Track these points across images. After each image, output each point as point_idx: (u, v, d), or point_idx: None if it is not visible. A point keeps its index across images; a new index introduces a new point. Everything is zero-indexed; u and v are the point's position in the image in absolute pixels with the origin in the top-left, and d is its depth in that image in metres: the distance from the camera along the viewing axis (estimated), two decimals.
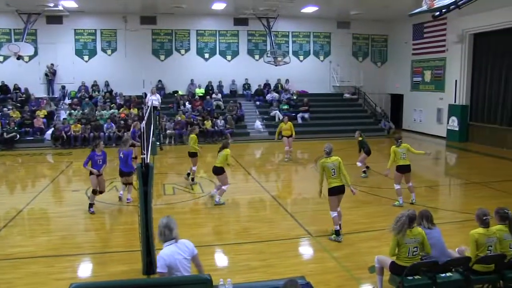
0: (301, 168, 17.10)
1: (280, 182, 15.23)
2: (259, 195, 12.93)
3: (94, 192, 11.32)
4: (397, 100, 29.32)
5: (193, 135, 14.40)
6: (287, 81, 27.94)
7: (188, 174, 14.55)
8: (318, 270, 7.63)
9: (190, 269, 5.35)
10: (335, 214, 8.93)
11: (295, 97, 27.14)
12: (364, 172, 15.00)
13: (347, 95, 28.65)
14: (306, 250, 8.90)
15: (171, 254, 5.20)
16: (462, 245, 6.90)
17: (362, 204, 11.39)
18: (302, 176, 16.17)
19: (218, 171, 11.82)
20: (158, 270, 5.21)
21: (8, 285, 7.16)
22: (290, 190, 13.25)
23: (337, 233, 8.95)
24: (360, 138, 14.88)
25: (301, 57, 28.69)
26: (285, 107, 26.00)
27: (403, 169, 11.32)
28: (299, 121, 25.51)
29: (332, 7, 25.25)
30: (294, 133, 18.14)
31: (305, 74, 28.30)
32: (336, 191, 8.89)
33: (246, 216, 11.16)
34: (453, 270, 6.25)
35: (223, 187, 11.87)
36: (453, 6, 14.87)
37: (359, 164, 14.79)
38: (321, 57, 28.99)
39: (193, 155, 14.31)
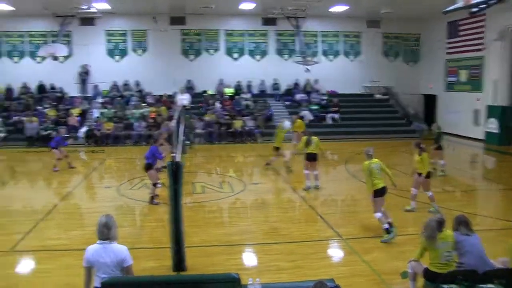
0: (331, 169, 16.96)
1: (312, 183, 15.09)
2: (288, 196, 12.88)
3: (155, 185, 11.72)
4: (430, 101, 28.66)
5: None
6: (316, 81, 27.75)
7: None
8: (348, 273, 7.52)
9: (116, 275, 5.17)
10: (380, 215, 9.04)
11: (325, 98, 26.91)
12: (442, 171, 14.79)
13: (377, 96, 28.24)
14: (335, 252, 8.78)
15: (93, 253, 5.14)
16: (502, 256, 6.39)
17: (395, 207, 11.09)
18: (332, 177, 15.99)
19: (315, 157, 12.92)
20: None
21: (45, 275, 7.45)
22: (319, 191, 13.12)
23: (387, 231, 8.91)
24: (438, 131, 14.80)
25: (331, 57, 28.43)
26: (315, 107, 25.84)
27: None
28: (329, 121, 25.32)
29: (361, 6, 24.85)
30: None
31: (335, 74, 27.94)
32: (382, 192, 9.11)
33: (275, 216, 11.10)
34: (495, 282, 5.71)
35: (315, 172, 13.01)
36: (493, 1, 14.22)
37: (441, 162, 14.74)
38: (351, 57, 28.66)
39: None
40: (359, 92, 28.58)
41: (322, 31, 28.21)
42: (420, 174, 10.77)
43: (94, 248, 5.15)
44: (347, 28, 28.34)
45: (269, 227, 10.04)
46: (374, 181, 9.04)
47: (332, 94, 27.55)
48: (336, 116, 25.51)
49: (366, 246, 8.65)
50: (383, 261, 7.94)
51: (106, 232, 5.12)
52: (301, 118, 20.12)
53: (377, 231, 9.31)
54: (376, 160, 9.25)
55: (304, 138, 13.40)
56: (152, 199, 11.80)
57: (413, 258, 6.28)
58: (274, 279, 7.16)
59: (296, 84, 27.89)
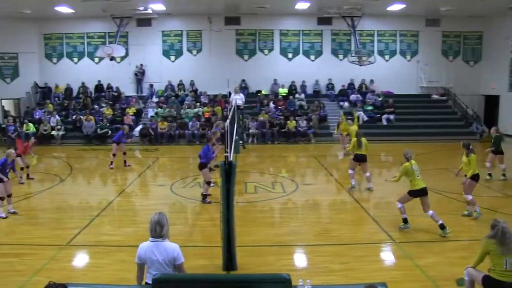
0: (385, 170, 16.59)
1: (364, 185, 14.70)
2: (341, 197, 12.69)
3: (208, 183, 11.95)
4: (492, 102, 27.29)
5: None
6: (371, 81, 27.26)
7: None
8: (401, 277, 7.29)
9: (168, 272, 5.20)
10: (400, 205, 9.58)
11: (380, 98, 26.39)
12: (489, 174, 14.23)
13: (435, 96, 27.29)
14: (388, 256, 8.53)
15: (145, 250, 5.19)
16: None
17: (452, 211, 10.72)
18: (386, 179, 15.57)
19: (365, 158, 13.07)
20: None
21: (99, 269, 7.73)
22: (372, 193, 12.85)
23: (404, 221, 9.56)
24: (497, 134, 14.27)
25: (387, 57, 27.80)
26: (370, 108, 25.39)
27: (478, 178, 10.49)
28: (384, 122, 24.81)
29: (420, 4, 24.18)
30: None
31: (391, 74, 27.33)
32: (421, 193, 9.33)
33: (327, 218, 10.99)
34: None
35: (367, 174, 13.10)
36: None
37: (502, 166, 14.24)
38: (408, 57, 27.90)
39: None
40: (416, 93, 27.80)
41: (378, 30, 27.66)
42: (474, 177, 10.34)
43: (146, 245, 5.22)
44: (404, 27, 27.63)
45: (320, 228, 9.91)
46: (413, 182, 9.41)
47: (388, 95, 26.95)
48: (392, 117, 24.93)
49: (420, 251, 8.37)
50: (438, 267, 7.64)
51: (158, 230, 5.17)
52: (353, 119, 19.64)
53: (432, 235, 9.06)
54: (413, 161, 9.58)
55: (354, 139, 13.33)
56: (205, 198, 11.91)
57: (471, 264, 5.97)
58: (324, 281, 7.06)
59: (351, 84, 27.48)
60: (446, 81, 27.36)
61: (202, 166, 12.08)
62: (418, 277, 7.32)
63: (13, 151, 11.55)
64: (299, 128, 23.46)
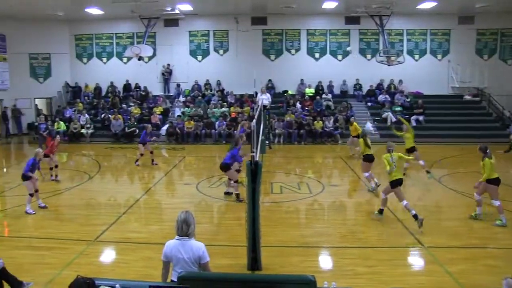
0: (413, 172, 16.27)
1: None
2: (367, 199, 12.49)
3: (236, 182, 12.09)
4: None
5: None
6: (400, 81, 26.85)
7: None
8: (429, 283, 7.10)
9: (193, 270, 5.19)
10: (384, 195, 10.41)
11: (408, 99, 25.94)
12: None
13: (468, 97, 26.57)
14: (416, 260, 8.29)
15: (171, 248, 5.20)
16: None
17: (484, 217, 10.36)
18: (414, 181, 15.26)
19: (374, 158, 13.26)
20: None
21: (126, 265, 7.90)
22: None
23: (380, 211, 10.48)
24: None
25: (416, 56, 27.35)
26: (398, 108, 25.00)
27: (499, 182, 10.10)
28: (413, 123, 24.36)
29: (453, 1, 23.69)
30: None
31: (421, 74, 26.81)
32: (398, 183, 10.05)
33: (353, 220, 10.83)
34: None
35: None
36: None
37: None
38: (439, 56, 27.33)
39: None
40: (447, 93, 27.20)
41: (408, 29, 27.21)
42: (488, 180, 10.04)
43: (172, 243, 5.23)
44: (435, 25, 27.05)
45: (346, 230, 9.78)
46: (392, 173, 10.05)
47: (417, 95, 26.46)
48: (421, 118, 24.46)
49: (451, 257, 8.11)
50: (470, 274, 7.38)
51: (185, 229, 5.18)
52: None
53: (465, 241, 8.85)
54: (397, 153, 10.33)
55: (361, 140, 13.32)
56: (238, 197, 11.97)
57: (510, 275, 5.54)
58: (350, 283, 6.94)
59: (380, 85, 27.14)
60: (479, 81, 26.64)
61: (226, 167, 12.06)
62: (448, 284, 7.09)
63: (40, 150, 11.96)
64: (326, 129, 23.28)
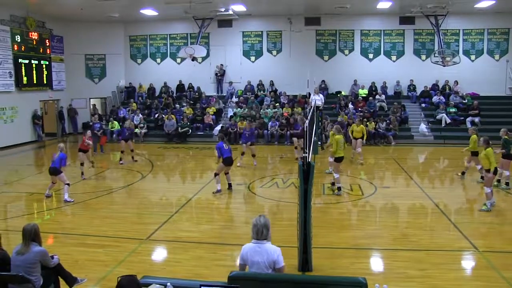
0: (468, 175, 15.85)
1: (444, 189, 14.11)
2: (420, 201, 12.24)
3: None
4: None
5: None
6: (455, 82, 26.13)
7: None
8: None
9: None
10: (338, 175, 12.77)
11: (465, 100, 25.15)
12: (506, 183, 13.45)
13: None
14: (470, 265, 8.08)
15: (247, 251, 5.24)
16: None
17: None
18: (469, 184, 14.84)
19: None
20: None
21: (178, 264, 8.02)
22: (455, 198, 12.32)
23: (338, 188, 12.65)
24: (506, 137, 13.44)
25: (473, 57, 26.49)
26: (453, 110, 24.35)
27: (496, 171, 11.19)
28: (468, 125, 23.68)
29: None
30: (365, 136, 18.39)
31: (477, 75, 25.98)
32: (341, 160, 12.92)
33: (405, 222, 10.63)
34: None
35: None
36: None
37: (506, 173, 13.44)
38: (496, 56, 26.39)
39: None
40: (505, 94, 26.25)
41: (464, 29, 26.43)
42: (488, 171, 11.04)
43: (248, 247, 5.30)
44: (493, 24, 26.14)
45: (398, 233, 9.63)
46: (338, 151, 12.78)
47: (473, 96, 25.65)
48: (477, 119, 23.73)
49: (508, 262, 7.86)
50: None
51: (264, 233, 5.24)
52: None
53: None
54: (341, 136, 13.07)
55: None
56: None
57: None
58: (401, 286, 6.88)
59: (435, 85, 26.50)
60: None
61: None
62: None
63: (62, 144, 13.02)
64: (379, 130, 22.97)
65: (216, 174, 12.93)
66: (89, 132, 15.83)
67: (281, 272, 5.25)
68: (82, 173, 14.97)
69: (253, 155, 17.11)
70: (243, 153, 17.25)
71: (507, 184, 13.42)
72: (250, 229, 5.42)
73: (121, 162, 17.70)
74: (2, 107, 22.47)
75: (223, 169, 13.00)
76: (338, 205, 11.93)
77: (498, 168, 12.95)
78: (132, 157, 18.14)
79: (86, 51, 28.21)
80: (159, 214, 11.06)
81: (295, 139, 18.94)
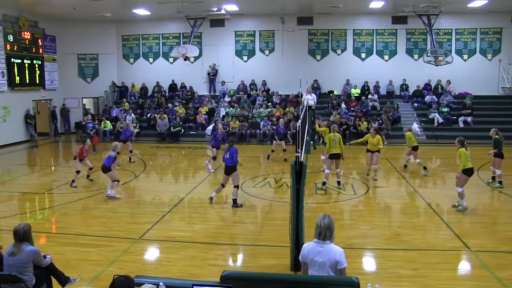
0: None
1: (436, 189, 14.20)
2: (413, 201, 12.32)
3: None
4: None
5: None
6: (448, 82, 26.25)
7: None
8: None
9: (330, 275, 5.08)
10: (328, 171, 13.38)
11: (457, 100, 25.24)
12: (500, 182, 13.58)
13: None
14: (463, 264, 8.11)
15: (310, 250, 5.12)
16: None
17: None
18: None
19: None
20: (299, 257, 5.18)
21: (170, 263, 8.00)
22: (447, 198, 12.37)
23: (323, 183, 13.24)
24: (496, 137, 13.60)
25: (465, 56, 26.61)
26: (445, 109, 24.45)
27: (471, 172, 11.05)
28: (461, 125, 23.83)
29: None
30: (382, 147, 15.21)
31: (469, 74, 26.09)
32: (334, 156, 13.31)
33: (397, 222, 10.69)
34: None
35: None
36: None
37: (498, 172, 13.57)
38: (489, 56, 26.53)
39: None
40: (497, 94, 26.39)
41: (457, 29, 26.55)
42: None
43: (310, 246, 5.18)
44: (486, 24, 26.27)
45: (391, 232, 9.67)
46: (330, 149, 13.30)
47: (465, 96, 25.75)
48: (469, 119, 23.86)
49: (501, 262, 7.89)
50: None
51: (327, 235, 5.11)
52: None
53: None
54: (338, 134, 13.58)
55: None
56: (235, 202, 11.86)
57: None
58: (394, 286, 6.92)
59: (427, 85, 26.61)
60: None
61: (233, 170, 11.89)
62: None
63: (117, 143, 13.63)
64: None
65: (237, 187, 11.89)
66: (88, 141, 15.15)
67: (343, 273, 5.08)
68: (73, 181, 13.98)
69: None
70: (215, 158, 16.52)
71: (500, 183, 13.51)
72: (314, 228, 5.25)
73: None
74: None
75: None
76: (330, 204, 11.96)
77: (491, 167, 13.19)
78: (130, 158, 18.04)
79: (79, 51, 28.14)
80: (151, 213, 11.06)
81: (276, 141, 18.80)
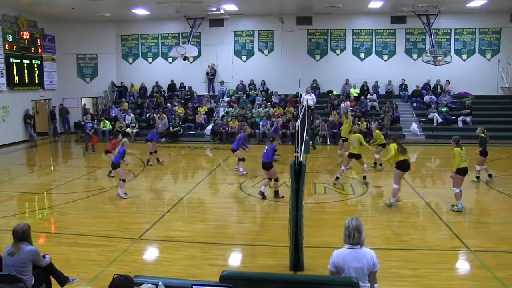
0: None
1: (436, 189, 14.16)
2: (412, 201, 12.30)
3: (277, 180, 12.32)
4: None
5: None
6: (447, 81, 26.26)
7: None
8: None
9: (367, 281, 5.00)
10: (343, 168, 14.23)
11: (456, 99, 25.25)
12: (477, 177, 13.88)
13: None
14: (462, 264, 8.12)
15: (343, 257, 4.95)
16: None
17: None
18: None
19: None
20: (328, 266, 5.04)
21: (169, 263, 8.00)
22: (446, 198, 12.36)
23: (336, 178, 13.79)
24: (482, 135, 13.81)
25: (464, 56, 26.64)
26: (444, 109, 24.46)
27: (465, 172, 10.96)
28: (460, 124, 23.84)
29: None
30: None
31: (468, 74, 26.08)
32: (353, 156, 14.11)
33: (397, 222, 10.65)
34: None
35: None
36: None
37: (477, 167, 13.90)
38: (488, 56, 26.53)
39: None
40: (496, 94, 26.39)
41: (456, 29, 26.56)
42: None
43: (343, 252, 5.00)
44: (485, 24, 26.28)
45: (390, 232, 9.68)
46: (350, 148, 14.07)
47: (465, 96, 25.77)
48: (468, 119, 23.87)
49: (501, 262, 7.88)
50: None
51: (357, 236, 4.95)
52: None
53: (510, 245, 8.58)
54: (358, 134, 14.37)
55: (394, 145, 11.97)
56: (277, 194, 12.15)
57: None
58: (393, 286, 6.90)
59: (426, 85, 26.61)
60: None
61: (269, 166, 12.12)
62: None
63: (127, 139, 13.16)
64: (371, 129, 23.00)
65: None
66: (120, 136, 15.81)
67: (375, 275, 5.05)
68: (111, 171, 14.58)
69: None
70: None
71: (490, 176, 13.94)
72: (342, 231, 5.09)
73: (149, 163, 17.43)
74: None
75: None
76: (329, 204, 11.96)
77: (475, 165, 13.27)
78: (158, 159, 17.78)
79: (78, 51, 28.11)
80: (151, 213, 11.05)
81: None
